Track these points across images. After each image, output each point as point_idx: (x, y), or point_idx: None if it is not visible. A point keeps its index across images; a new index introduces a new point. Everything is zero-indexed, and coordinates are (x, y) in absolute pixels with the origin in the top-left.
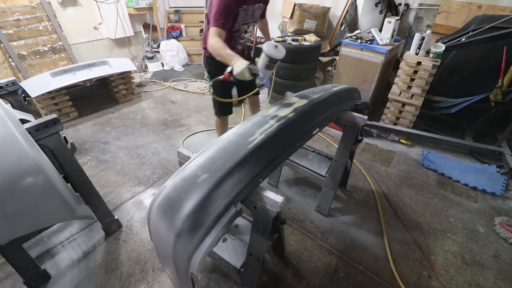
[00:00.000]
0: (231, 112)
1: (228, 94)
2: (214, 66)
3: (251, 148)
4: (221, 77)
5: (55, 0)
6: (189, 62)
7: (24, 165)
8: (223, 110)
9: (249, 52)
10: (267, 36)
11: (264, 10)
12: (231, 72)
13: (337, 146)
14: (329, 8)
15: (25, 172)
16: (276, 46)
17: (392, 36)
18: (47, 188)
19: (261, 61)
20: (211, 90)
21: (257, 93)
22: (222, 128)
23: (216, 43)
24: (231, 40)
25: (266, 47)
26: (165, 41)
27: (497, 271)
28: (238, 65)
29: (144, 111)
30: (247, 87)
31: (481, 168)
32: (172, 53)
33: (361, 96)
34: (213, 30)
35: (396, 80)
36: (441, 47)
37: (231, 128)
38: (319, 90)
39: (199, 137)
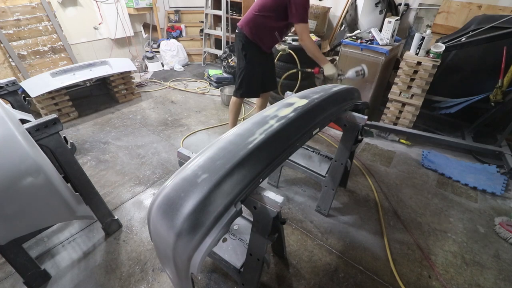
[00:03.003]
0: (257, 95)
1: (260, 78)
2: (256, 50)
3: (251, 148)
4: (311, 70)
5: (55, 0)
6: (189, 62)
7: (24, 165)
8: (249, 91)
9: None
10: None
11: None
12: (320, 70)
13: (337, 146)
14: (329, 8)
15: (25, 172)
16: (361, 69)
17: (392, 36)
18: (47, 188)
19: (352, 72)
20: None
21: (276, 87)
22: (238, 111)
23: (312, 43)
24: (283, 35)
25: (364, 67)
26: (165, 41)
27: (497, 271)
28: (330, 68)
29: (144, 111)
30: (270, 82)
31: (481, 168)
32: (172, 53)
33: (361, 96)
34: (306, 27)
35: (396, 80)
36: (441, 47)
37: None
38: (319, 90)
39: (199, 137)
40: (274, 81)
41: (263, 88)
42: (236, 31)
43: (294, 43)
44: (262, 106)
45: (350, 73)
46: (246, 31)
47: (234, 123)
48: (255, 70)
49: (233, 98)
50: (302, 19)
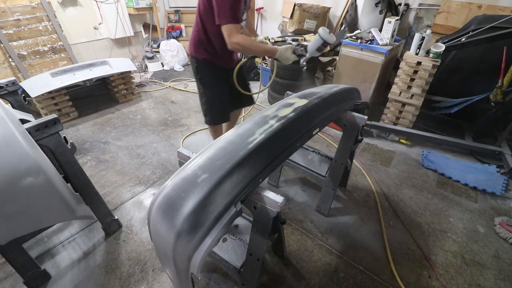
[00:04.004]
0: (227, 119)
1: (225, 99)
2: (209, 71)
3: (251, 148)
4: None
5: (55, 0)
6: (189, 62)
7: (24, 165)
8: (216, 117)
9: (237, 54)
10: (251, 29)
11: None
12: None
13: (337, 146)
14: (329, 8)
15: (25, 172)
16: (329, 32)
17: (392, 36)
18: (47, 188)
19: (313, 42)
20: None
21: (252, 102)
22: (218, 133)
23: (244, 40)
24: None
25: (322, 31)
26: (165, 41)
27: (497, 271)
28: (283, 52)
29: (144, 111)
30: (242, 97)
31: (481, 168)
32: (172, 53)
33: (361, 96)
34: (231, 28)
35: (396, 80)
36: (441, 47)
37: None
38: (319, 90)
39: (199, 137)
40: (246, 95)
41: (235, 107)
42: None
43: (294, 43)
44: (230, 126)
45: (311, 48)
46: (193, 52)
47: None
48: (215, 93)
49: (209, 127)
50: (224, 18)
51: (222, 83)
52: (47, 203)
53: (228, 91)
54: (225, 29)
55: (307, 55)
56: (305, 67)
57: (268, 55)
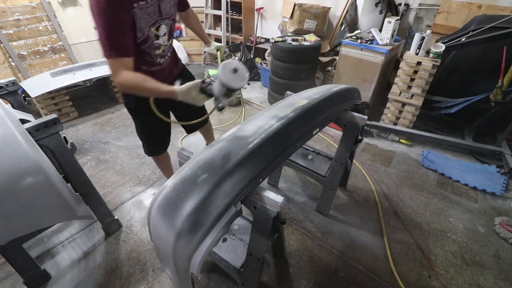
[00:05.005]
0: (164, 149)
1: (158, 129)
2: (135, 100)
3: (251, 148)
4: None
5: (55, 0)
6: (189, 62)
7: (24, 165)
8: (153, 148)
9: (179, 68)
10: (200, 34)
11: (183, 1)
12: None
13: (337, 146)
14: (329, 8)
15: (25, 172)
16: (235, 70)
17: (392, 36)
18: (47, 188)
19: (216, 86)
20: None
21: (205, 121)
22: (164, 163)
23: (132, 79)
24: (142, 57)
25: (221, 72)
26: None
27: (497, 271)
28: (186, 92)
29: None
30: (192, 112)
31: (481, 168)
32: None
33: (361, 96)
34: (112, 63)
35: (396, 80)
36: (441, 47)
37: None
38: (319, 90)
39: (199, 137)
40: (195, 115)
41: (189, 130)
42: None
43: (294, 43)
44: (208, 139)
45: (218, 93)
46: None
47: (169, 173)
48: (146, 122)
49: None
50: (104, 51)
51: (150, 112)
52: (47, 203)
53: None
54: (108, 65)
55: (219, 98)
56: (223, 109)
57: (166, 97)
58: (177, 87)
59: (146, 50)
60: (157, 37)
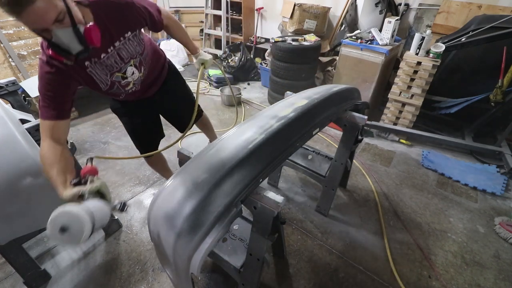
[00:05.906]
0: (155, 146)
1: (144, 132)
2: (120, 103)
3: (251, 148)
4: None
5: None
6: (189, 62)
7: (24, 165)
8: (142, 148)
9: (163, 74)
10: (185, 43)
11: (153, 24)
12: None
13: (337, 146)
14: (329, 8)
15: (25, 172)
16: (63, 229)
17: (392, 36)
18: (47, 188)
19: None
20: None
21: (199, 115)
22: (158, 164)
23: (42, 154)
24: (112, 96)
25: (49, 228)
26: (165, 41)
27: (497, 271)
28: (68, 195)
29: None
30: (181, 113)
31: (481, 168)
32: (172, 53)
33: (361, 96)
34: (41, 125)
35: (396, 80)
36: (441, 47)
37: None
38: (319, 90)
39: (199, 137)
40: (187, 114)
41: (179, 126)
42: None
43: (294, 43)
44: (208, 134)
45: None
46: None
47: (168, 174)
48: (133, 123)
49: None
50: (39, 111)
51: (137, 109)
52: (47, 203)
53: (150, 120)
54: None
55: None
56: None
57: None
58: (64, 193)
59: (115, 92)
60: (124, 78)
